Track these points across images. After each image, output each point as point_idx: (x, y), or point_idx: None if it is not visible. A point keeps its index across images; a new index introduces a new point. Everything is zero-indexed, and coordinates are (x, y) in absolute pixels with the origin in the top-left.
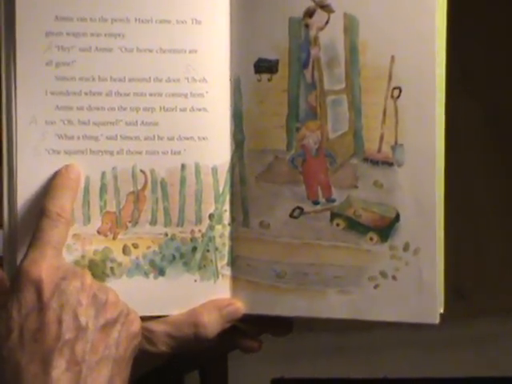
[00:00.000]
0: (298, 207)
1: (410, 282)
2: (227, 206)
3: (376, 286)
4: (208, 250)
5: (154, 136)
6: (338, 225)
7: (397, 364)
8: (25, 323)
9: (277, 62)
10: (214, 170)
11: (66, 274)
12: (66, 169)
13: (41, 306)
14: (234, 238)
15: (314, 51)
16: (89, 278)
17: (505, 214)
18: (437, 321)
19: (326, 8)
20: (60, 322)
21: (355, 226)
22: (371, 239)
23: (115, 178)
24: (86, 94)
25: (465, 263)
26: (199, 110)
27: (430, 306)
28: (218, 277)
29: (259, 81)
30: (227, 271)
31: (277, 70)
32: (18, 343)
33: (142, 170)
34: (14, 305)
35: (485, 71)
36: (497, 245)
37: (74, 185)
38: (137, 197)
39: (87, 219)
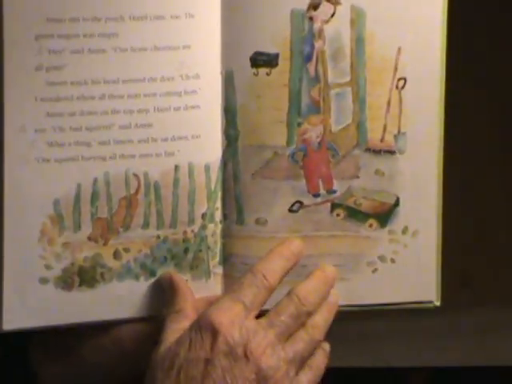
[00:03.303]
0: (298, 201)
1: (408, 264)
2: (219, 204)
3: (374, 271)
4: (200, 250)
5: (147, 138)
6: (338, 215)
7: (400, 353)
8: (187, 366)
9: (277, 55)
10: (207, 168)
11: (243, 340)
12: (292, 241)
13: (209, 357)
14: (226, 235)
15: (318, 44)
16: (263, 352)
17: (509, 201)
18: (434, 299)
19: (333, 0)
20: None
21: (355, 214)
22: (370, 226)
23: (107, 183)
24: (78, 98)
25: (469, 250)
26: (192, 107)
27: (429, 285)
28: (209, 276)
29: (256, 75)
30: (219, 269)
31: (276, 64)
32: (174, 382)
33: (134, 174)
34: (184, 342)
35: (487, 57)
36: (501, 232)
37: (291, 258)
38: (129, 201)
39: (77, 226)
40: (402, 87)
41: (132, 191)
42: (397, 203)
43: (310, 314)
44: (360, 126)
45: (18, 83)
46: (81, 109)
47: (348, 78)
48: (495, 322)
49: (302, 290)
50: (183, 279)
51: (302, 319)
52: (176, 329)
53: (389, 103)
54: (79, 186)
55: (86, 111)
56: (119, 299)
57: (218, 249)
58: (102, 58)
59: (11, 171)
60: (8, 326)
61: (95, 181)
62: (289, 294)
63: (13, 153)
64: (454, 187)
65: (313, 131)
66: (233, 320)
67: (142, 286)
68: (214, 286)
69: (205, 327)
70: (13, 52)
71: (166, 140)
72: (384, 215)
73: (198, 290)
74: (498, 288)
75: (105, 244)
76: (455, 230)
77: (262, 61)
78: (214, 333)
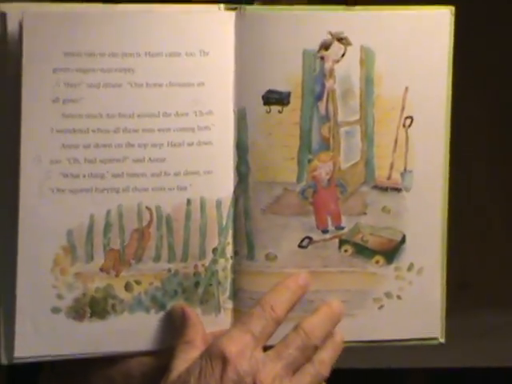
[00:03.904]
0: (307, 237)
1: (413, 301)
2: (230, 239)
3: (381, 307)
4: (210, 285)
5: (160, 172)
6: (345, 251)
7: (400, 354)
8: None
9: (288, 94)
10: (218, 204)
11: (252, 370)
12: (299, 274)
13: None
14: (236, 271)
15: (328, 83)
16: (271, 383)
17: (509, 205)
18: (439, 336)
19: (343, 41)
20: None
21: (362, 250)
22: (377, 262)
23: (120, 215)
24: (93, 131)
25: (468, 254)
26: (205, 143)
27: (434, 322)
28: (219, 311)
29: (268, 112)
30: (229, 305)
31: (288, 102)
32: None
33: (147, 207)
34: (194, 371)
35: (487, 67)
36: (500, 235)
37: (298, 291)
38: (141, 234)
39: (90, 257)
40: (409, 126)
41: (144, 224)
42: (403, 240)
43: (316, 348)
44: (368, 163)
45: (35, 114)
46: (95, 141)
47: (357, 117)
48: (496, 324)
49: (308, 325)
50: (194, 311)
51: (308, 353)
52: (186, 358)
53: (396, 141)
54: (92, 217)
55: (100, 144)
56: (130, 332)
57: (228, 284)
58: (118, 93)
59: (26, 201)
60: (20, 353)
61: (108, 212)
62: (296, 327)
63: (28, 183)
64: (458, 196)
65: (322, 168)
66: (242, 350)
67: (153, 319)
68: (223, 320)
69: (215, 356)
70: (31, 84)
71: (178, 174)
72: (390, 252)
73: (208, 324)
74: (498, 291)
75: (116, 275)
76: (454, 234)
77: (275, 99)
78: (224, 361)
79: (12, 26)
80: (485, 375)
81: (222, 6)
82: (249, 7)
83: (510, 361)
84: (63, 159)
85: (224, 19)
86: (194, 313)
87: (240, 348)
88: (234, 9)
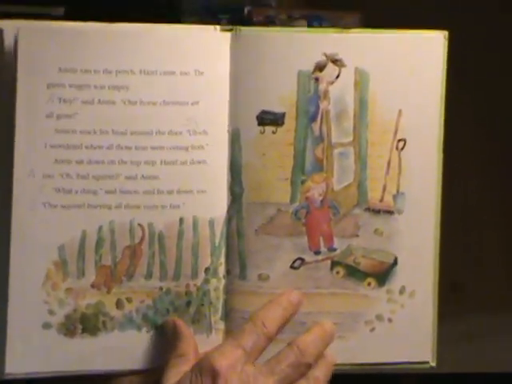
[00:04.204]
0: (299, 258)
1: (405, 324)
2: (223, 259)
3: (372, 330)
4: (202, 304)
5: (153, 190)
6: (337, 273)
7: None
8: None
9: (283, 114)
10: (211, 223)
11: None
12: (292, 292)
13: None
14: (229, 291)
15: (323, 105)
16: None
17: (500, 208)
18: (430, 360)
19: (338, 62)
20: None
21: (354, 272)
22: (369, 284)
23: (112, 232)
24: (86, 147)
25: (460, 257)
26: (199, 162)
27: (425, 345)
28: (211, 331)
29: (262, 133)
30: (221, 325)
31: (282, 123)
32: None
33: (139, 224)
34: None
35: (477, 72)
36: (493, 238)
37: (290, 308)
38: (133, 251)
39: (81, 273)
40: (402, 148)
41: (136, 241)
42: (395, 263)
43: (309, 366)
44: (361, 185)
45: (29, 129)
46: (89, 157)
47: (351, 138)
48: (488, 328)
49: (302, 342)
50: (186, 325)
51: (300, 370)
52: (177, 372)
53: (389, 164)
54: (84, 232)
55: (93, 160)
56: (120, 350)
57: (220, 304)
58: (112, 110)
59: (19, 215)
60: (11, 369)
61: (100, 228)
62: (289, 344)
63: (21, 197)
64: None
65: (316, 189)
66: (233, 364)
67: (144, 337)
68: (215, 341)
69: (205, 370)
70: (25, 98)
71: (171, 193)
72: (382, 274)
73: (200, 344)
74: (490, 295)
75: (108, 292)
76: (446, 238)
77: (269, 119)
78: (214, 375)
79: (8, 41)
80: (477, 380)
81: (218, 26)
82: (244, 28)
83: (502, 365)
84: (56, 174)
85: (220, 40)
86: (186, 326)
87: (231, 362)
88: (230, 30)
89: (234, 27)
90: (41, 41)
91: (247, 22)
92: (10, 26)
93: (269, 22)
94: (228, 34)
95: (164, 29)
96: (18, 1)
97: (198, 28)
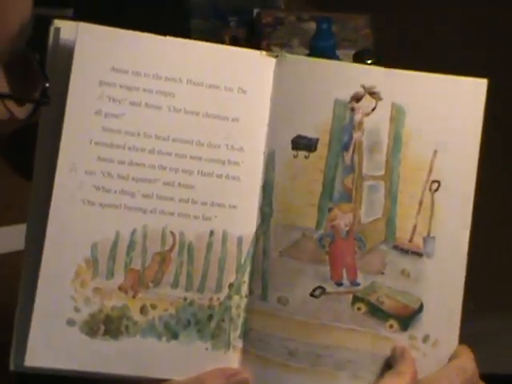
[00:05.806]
0: (320, 287)
1: (426, 374)
2: (247, 278)
3: None
4: (223, 320)
5: (188, 199)
6: (359, 309)
7: None
8: None
9: (317, 140)
10: (240, 240)
11: None
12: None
13: None
14: (249, 310)
15: (356, 135)
16: None
17: (505, 209)
18: None
19: (375, 95)
20: None
21: (376, 312)
22: (391, 326)
23: (145, 236)
24: (129, 148)
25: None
26: (233, 178)
27: None
28: (229, 348)
29: (295, 157)
30: (239, 343)
31: (315, 149)
32: None
33: (171, 232)
34: None
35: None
36: (498, 242)
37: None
38: (163, 258)
39: (110, 274)
40: (436, 190)
41: (167, 248)
42: (420, 309)
43: None
44: (389, 221)
45: (77, 124)
46: (130, 159)
47: (382, 172)
48: (493, 330)
49: None
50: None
51: None
52: None
53: (420, 204)
54: (118, 233)
55: (134, 162)
56: (138, 356)
57: (240, 322)
58: (157, 114)
59: (57, 208)
60: (29, 362)
61: (134, 231)
62: None
63: (62, 191)
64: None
65: (342, 219)
66: None
67: (163, 346)
68: (231, 358)
69: None
70: (76, 94)
71: (205, 204)
72: (406, 318)
73: (216, 360)
74: (495, 297)
75: (134, 296)
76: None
77: (303, 144)
78: None
79: (65, 39)
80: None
81: (264, 52)
82: (289, 55)
83: (504, 367)
84: (97, 172)
85: (264, 63)
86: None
87: None
88: (276, 56)
89: (280, 53)
90: (98, 38)
91: (256, 23)
92: (67, 25)
93: (278, 23)
94: (273, 59)
95: (213, 45)
96: None
97: (245, 51)
